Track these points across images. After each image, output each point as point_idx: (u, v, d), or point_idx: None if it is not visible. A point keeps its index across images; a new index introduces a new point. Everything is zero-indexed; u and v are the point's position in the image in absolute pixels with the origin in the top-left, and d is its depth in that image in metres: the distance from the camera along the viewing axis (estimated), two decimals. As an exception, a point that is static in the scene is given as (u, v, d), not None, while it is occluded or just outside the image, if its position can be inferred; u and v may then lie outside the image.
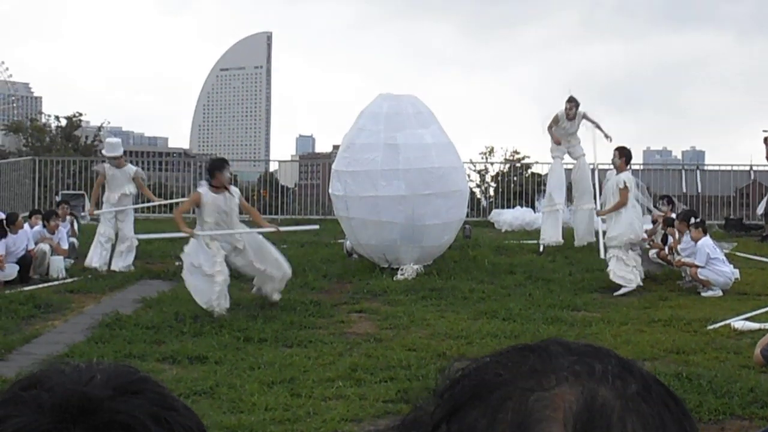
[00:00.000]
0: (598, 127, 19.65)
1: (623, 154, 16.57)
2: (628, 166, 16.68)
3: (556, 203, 19.94)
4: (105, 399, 1.09)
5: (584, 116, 19.60)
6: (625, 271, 15.55)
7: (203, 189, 13.94)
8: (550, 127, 19.67)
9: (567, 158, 20.30)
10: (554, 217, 19.88)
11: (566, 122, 19.51)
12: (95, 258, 17.64)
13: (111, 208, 17.99)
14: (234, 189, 14.40)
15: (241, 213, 14.73)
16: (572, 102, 19.50)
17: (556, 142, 19.65)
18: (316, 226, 17.67)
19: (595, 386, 0.94)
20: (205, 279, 13.42)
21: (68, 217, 19.66)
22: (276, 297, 14.16)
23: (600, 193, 17.89)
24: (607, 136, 19.66)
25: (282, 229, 16.45)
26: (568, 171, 20.70)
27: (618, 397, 0.93)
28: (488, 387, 0.96)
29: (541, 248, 19.21)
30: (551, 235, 19.63)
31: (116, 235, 17.86)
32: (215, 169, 14.08)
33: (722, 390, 9.35)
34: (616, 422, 0.92)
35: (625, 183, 15.92)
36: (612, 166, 16.85)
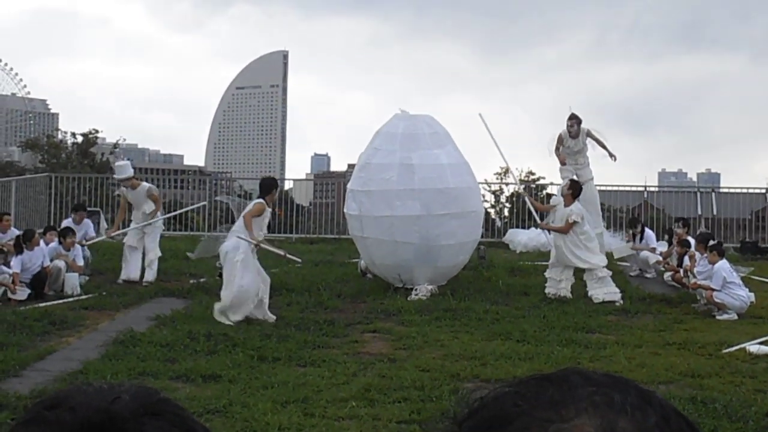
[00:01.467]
0: (603, 145, 19.57)
1: (572, 188, 17.06)
2: (576, 200, 16.95)
3: None
4: (127, 420, 1.10)
5: (588, 134, 19.51)
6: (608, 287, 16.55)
7: (263, 201, 15.02)
8: (557, 149, 19.58)
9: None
10: None
11: (570, 140, 19.43)
12: (131, 271, 18.20)
13: (133, 226, 18.64)
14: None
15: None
16: (573, 119, 19.36)
17: (562, 162, 19.57)
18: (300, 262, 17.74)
19: (614, 418, 0.93)
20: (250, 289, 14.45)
21: (86, 220, 19.83)
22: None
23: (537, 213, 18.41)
24: (611, 155, 19.60)
25: (288, 256, 17.03)
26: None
27: (637, 429, 0.93)
28: (508, 417, 0.96)
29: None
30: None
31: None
32: (273, 187, 15.27)
33: (737, 414, 9.30)
34: None
35: (574, 219, 16.65)
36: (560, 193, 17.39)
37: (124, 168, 19.34)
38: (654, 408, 0.96)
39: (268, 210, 15.17)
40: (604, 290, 16.38)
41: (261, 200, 15.12)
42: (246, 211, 14.85)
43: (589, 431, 0.92)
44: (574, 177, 19.81)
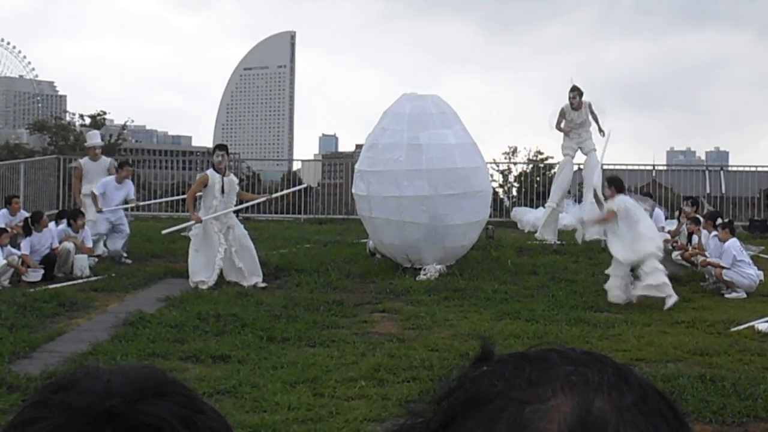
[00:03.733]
0: (596, 120, 19.64)
1: (612, 184, 15.42)
2: (620, 193, 15.17)
3: (553, 201, 20.05)
4: (134, 402, 1.10)
5: (589, 106, 19.57)
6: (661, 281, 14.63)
7: (210, 171, 16.16)
8: (558, 123, 19.65)
9: (578, 157, 20.26)
10: (553, 216, 19.96)
11: (572, 113, 19.47)
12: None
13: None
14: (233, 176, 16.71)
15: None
16: (575, 91, 19.46)
17: (566, 133, 19.63)
18: (305, 185, 20.51)
19: (590, 397, 0.93)
20: (208, 260, 15.75)
21: (128, 180, 19.79)
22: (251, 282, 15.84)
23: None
24: (600, 131, 19.66)
25: (273, 195, 19.46)
26: (577, 172, 20.78)
27: (613, 409, 0.93)
28: (484, 398, 0.96)
29: (554, 246, 19.33)
30: (546, 233, 19.78)
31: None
32: (212, 153, 16.64)
33: (746, 392, 9.31)
34: None
35: (610, 207, 14.98)
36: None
37: (94, 136, 20.85)
38: (631, 386, 0.96)
39: (217, 177, 15.99)
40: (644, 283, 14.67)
41: (205, 172, 16.33)
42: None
43: (565, 411, 0.92)
44: (576, 152, 19.82)
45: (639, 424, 0.93)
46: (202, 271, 15.72)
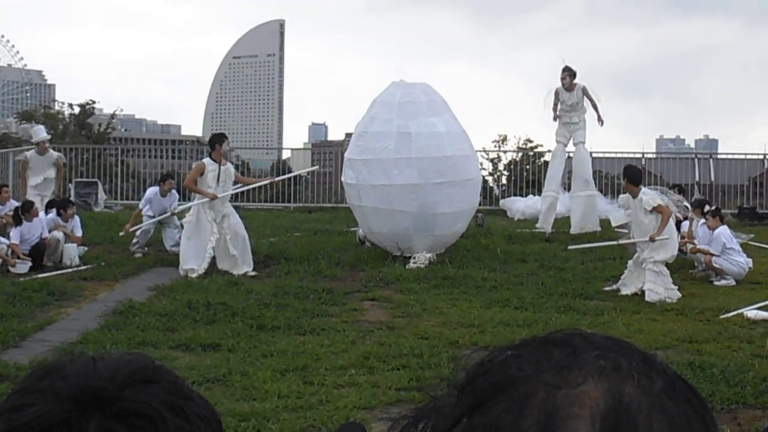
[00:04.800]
0: (595, 106, 19.57)
1: (626, 175, 14.79)
2: (640, 186, 14.61)
3: (552, 189, 20.02)
4: (121, 388, 1.10)
5: (584, 91, 19.50)
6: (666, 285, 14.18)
7: (207, 159, 16.31)
8: (554, 105, 19.61)
9: (570, 145, 20.26)
10: (549, 204, 19.95)
11: (564, 93, 19.41)
12: None
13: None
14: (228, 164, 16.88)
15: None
16: (567, 71, 19.38)
17: (555, 117, 19.60)
18: (315, 167, 22.67)
19: (621, 383, 0.93)
20: (199, 248, 15.76)
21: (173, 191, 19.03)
22: (241, 270, 15.81)
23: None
24: (599, 119, 19.61)
25: (277, 178, 20.71)
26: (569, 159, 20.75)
27: (644, 395, 0.92)
28: (513, 382, 0.94)
29: (547, 234, 19.31)
30: (543, 221, 19.78)
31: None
32: (215, 142, 16.34)
33: (735, 379, 9.34)
34: (644, 421, 0.91)
35: (659, 203, 14.24)
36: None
37: (38, 131, 21.00)
38: (658, 373, 0.96)
39: (213, 165, 16.09)
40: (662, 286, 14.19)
41: (201, 160, 16.66)
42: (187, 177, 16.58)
43: (597, 396, 0.91)
44: (569, 140, 19.79)
45: (669, 410, 0.93)
46: (192, 259, 15.72)
